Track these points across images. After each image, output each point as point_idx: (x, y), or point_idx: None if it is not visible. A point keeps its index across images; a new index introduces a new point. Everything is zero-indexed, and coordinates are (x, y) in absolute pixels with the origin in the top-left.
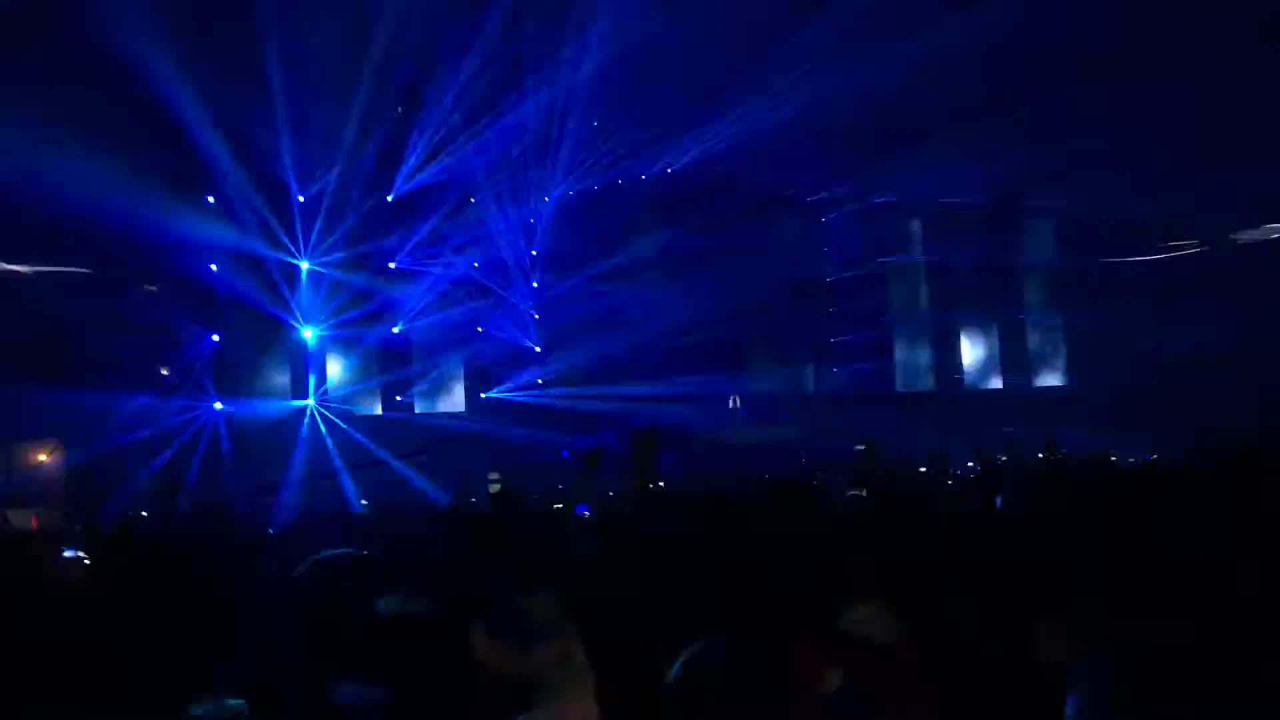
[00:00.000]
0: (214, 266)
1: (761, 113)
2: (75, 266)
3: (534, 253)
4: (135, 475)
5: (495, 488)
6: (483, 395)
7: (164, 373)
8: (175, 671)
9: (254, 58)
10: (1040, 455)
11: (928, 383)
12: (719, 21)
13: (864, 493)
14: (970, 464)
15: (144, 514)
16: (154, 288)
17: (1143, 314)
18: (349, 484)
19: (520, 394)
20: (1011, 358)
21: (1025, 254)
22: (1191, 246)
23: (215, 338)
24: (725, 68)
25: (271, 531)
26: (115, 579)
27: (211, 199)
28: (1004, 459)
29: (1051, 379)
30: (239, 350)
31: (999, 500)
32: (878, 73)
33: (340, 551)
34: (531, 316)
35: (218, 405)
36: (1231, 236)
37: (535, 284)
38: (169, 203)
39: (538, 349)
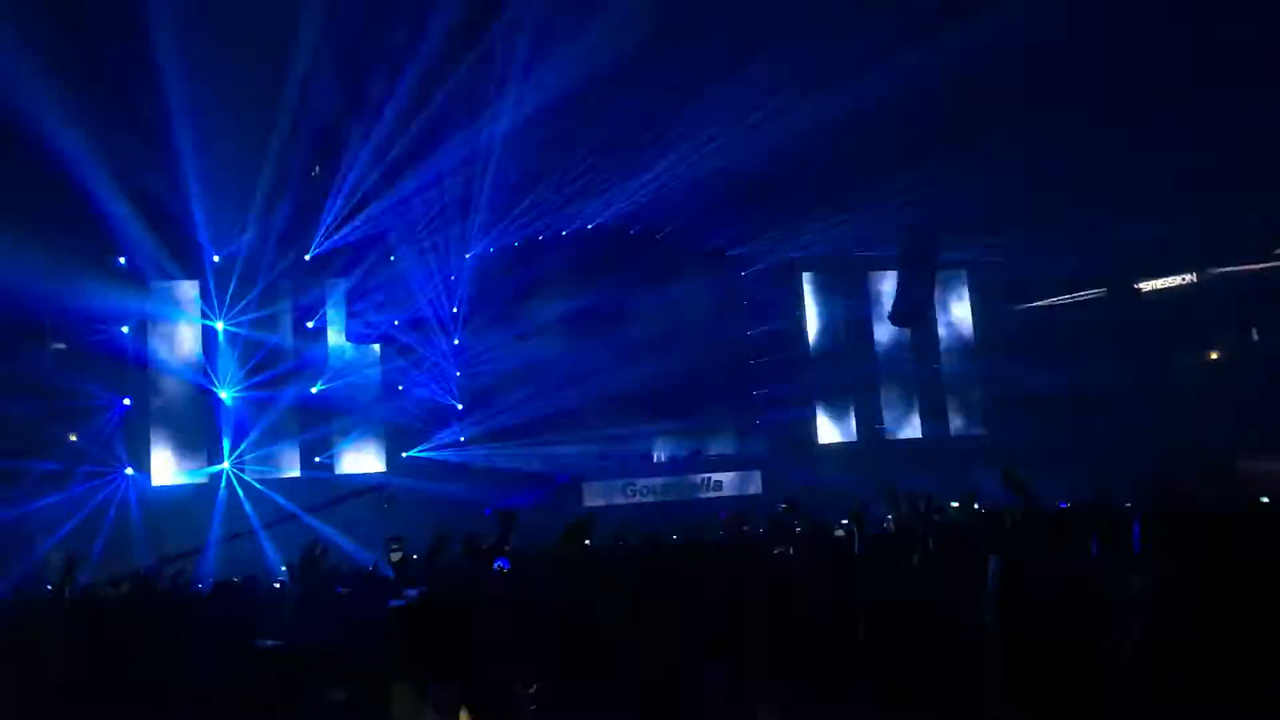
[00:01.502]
0: (125, 329)
1: (680, 168)
2: None
3: (455, 310)
4: (39, 545)
5: (396, 557)
6: (404, 454)
7: (72, 439)
8: None
9: (167, 117)
10: (956, 505)
11: (848, 433)
12: (638, 77)
13: (791, 550)
14: (889, 516)
15: (49, 587)
16: (61, 345)
17: (1054, 360)
18: (268, 547)
19: (442, 452)
20: (928, 406)
21: (939, 304)
22: (1100, 293)
23: (126, 402)
24: (644, 123)
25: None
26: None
27: (122, 260)
28: (924, 511)
29: (968, 427)
30: (151, 414)
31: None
32: (795, 126)
33: (268, 643)
34: (453, 374)
35: (128, 471)
36: (1139, 284)
37: (456, 341)
38: (77, 265)
39: (460, 406)
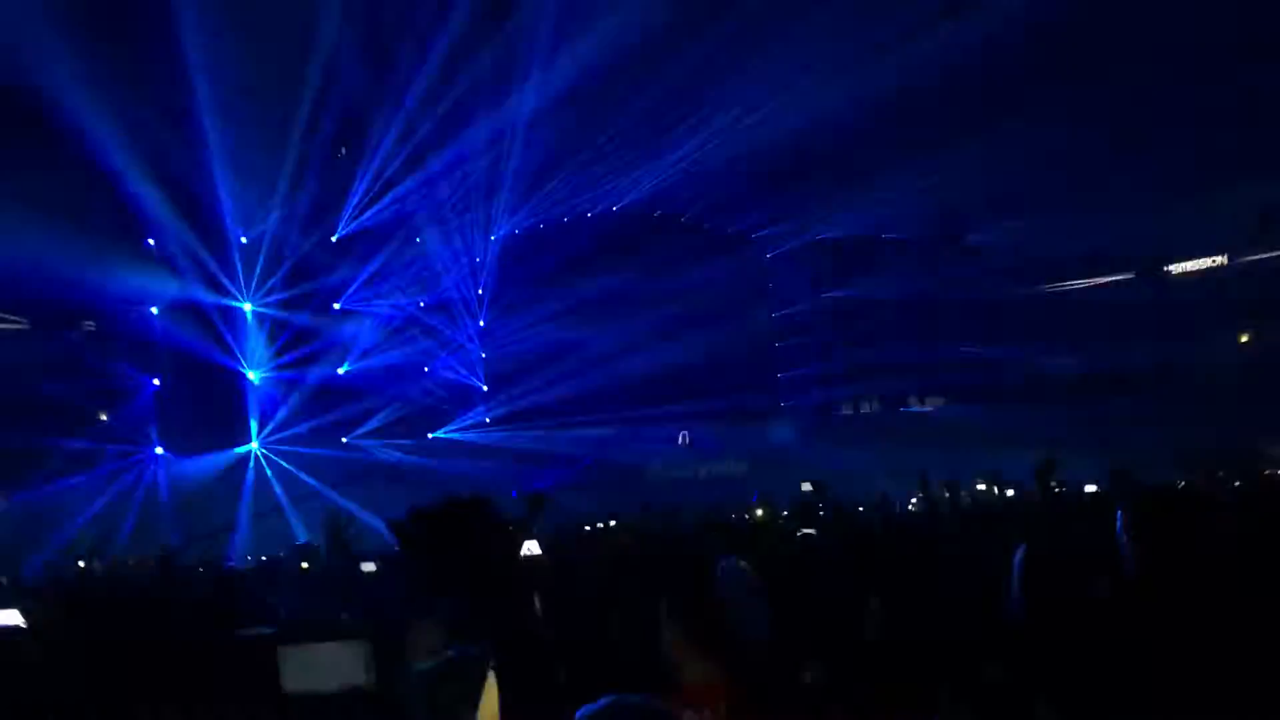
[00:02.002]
0: (154, 310)
1: (706, 150)
2: (10, 311)
3: (480, 292)
4: (68, 523)
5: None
6: (430, 435)
7: (102, 418)
8: None
9: (194, 102)
10: (982, 487)
11: (874, 414)
12: (663, 58)
13: (815, 532)
14: (914, 499)
15: (80, 565)
16: (91, 325)
17: (1081, 340)
18: (296, 523)
19: (467, 433)
20: (946, 386)
21: (960, 286)
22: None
23: (155, 382)
24: (669, 105)
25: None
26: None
27: (151, 242)
28: (948, 495)
29: (993, 405)
30: (180, 395)
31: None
32: (821, 110)
33: (258, 632)
34: (478, 355)
35: (158, 450)
36: (1163, 268)
37: (481, 323)
38: (107, 247)
39: (484, 388)
